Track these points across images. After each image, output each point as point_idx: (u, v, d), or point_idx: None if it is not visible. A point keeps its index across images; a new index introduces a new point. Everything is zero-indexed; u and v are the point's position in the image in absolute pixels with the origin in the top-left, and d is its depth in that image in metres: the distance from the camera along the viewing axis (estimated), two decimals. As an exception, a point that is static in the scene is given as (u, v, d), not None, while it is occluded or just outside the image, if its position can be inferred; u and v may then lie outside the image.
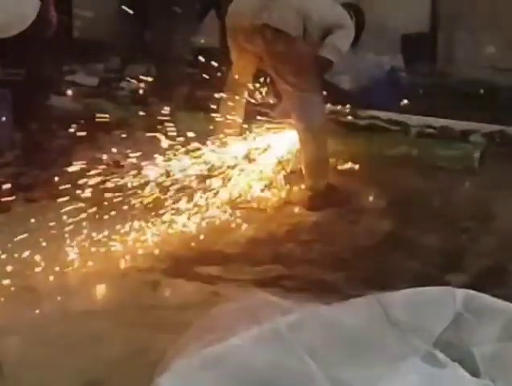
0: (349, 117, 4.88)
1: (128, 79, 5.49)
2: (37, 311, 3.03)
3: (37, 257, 3.38)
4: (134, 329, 2.90)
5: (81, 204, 3.81)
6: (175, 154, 4.10)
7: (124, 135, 4.41)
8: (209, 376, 1.87)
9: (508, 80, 5.79)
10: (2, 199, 3.82)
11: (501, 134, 4.71)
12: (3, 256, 3.36)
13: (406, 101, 5.22)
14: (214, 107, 4.42)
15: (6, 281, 3.20)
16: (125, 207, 3.85)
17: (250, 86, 4.33)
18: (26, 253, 3.38)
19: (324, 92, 4.22)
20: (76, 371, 2.61)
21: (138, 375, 2.36)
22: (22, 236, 3.47)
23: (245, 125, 4.34)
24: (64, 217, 3.69)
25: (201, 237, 3.75)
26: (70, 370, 2.62)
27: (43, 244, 3.49)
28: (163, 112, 4.66)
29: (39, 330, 2.89)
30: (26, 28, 3.84)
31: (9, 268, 3.29)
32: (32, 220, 3.65)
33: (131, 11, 5.18)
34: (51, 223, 3.65)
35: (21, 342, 2.82)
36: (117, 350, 2.75)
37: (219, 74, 4.50)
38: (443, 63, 6.50)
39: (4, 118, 4.11)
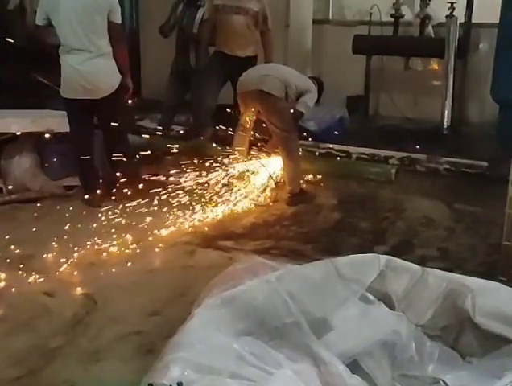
0: (314, 148, 4.85)
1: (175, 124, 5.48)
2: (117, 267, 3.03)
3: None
4: (178, 280, 2.90)
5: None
6: (202, 170, 4.09)
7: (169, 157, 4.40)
8: (226, 310, 1.89)
9: (413, 125, 5.78)
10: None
11: (409, 159, 4.69)
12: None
13: (349, 138, 5.20)
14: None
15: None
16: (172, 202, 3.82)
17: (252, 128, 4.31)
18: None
19: (298, 132, 4.20)
20: (141, 307, 2.63)
21: (181, 309, 2.36)
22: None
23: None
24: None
25: (221, 222, 3.74)
26: (138, 306, 2.64)
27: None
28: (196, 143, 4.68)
29: (119, 280, 2.90)
30: (113, 91, 3.86)
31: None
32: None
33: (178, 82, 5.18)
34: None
35: (107, 286, 2.82)
36: (168, 293, 2.76)
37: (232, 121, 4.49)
38: (372, 115, 6.48)
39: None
